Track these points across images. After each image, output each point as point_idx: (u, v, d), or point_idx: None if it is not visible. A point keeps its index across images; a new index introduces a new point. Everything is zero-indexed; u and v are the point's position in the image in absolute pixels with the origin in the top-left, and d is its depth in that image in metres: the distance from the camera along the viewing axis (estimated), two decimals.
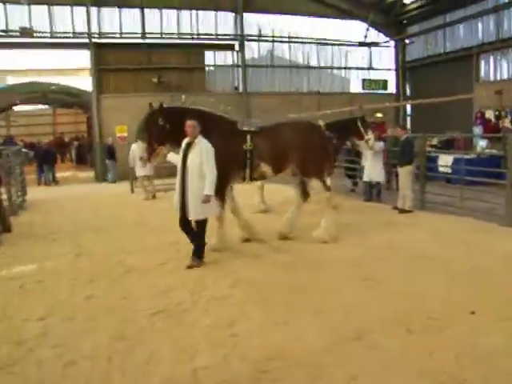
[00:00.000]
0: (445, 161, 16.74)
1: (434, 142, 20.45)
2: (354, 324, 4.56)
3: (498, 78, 21.18)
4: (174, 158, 6.92)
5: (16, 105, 30.50)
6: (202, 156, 6.46)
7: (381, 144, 11.71)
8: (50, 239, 8.96)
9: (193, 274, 6.38)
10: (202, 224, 6.68)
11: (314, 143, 7.93)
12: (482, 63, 21.92)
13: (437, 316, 4.69)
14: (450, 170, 16.14)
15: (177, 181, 6.68)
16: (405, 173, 10.48)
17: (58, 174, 21.73)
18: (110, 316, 4.95)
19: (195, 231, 6.72)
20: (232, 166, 7.47)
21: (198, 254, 6.70)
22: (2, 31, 19.57)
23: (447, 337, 4.23)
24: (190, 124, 6.56)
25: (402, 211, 10.39)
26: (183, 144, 6.69)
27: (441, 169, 16.79)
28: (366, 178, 12.12)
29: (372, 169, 11.72)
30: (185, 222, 6.70)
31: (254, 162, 7.66)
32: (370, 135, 11.09)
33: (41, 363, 3.94)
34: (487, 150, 18.38)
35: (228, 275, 6.26)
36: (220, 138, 7.15)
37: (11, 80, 21.27)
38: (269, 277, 6.16)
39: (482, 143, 20.02)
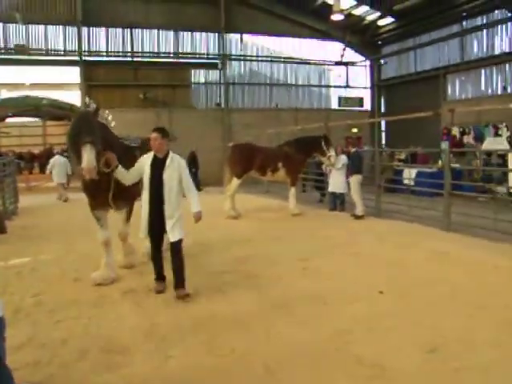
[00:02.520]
0: (408, 174, 18.13)
1: (402, 156, 21.93)
2: (284, 295, 5.84)
3: (463, 97, 22.73)
4: (124, 174, 6.10)
5: (9, 117, 31.48)
6: (180, 172, 5.93)
7: (342, 159, 12.96)
8: (42, 239, 10.04)
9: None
10: (180, 244, 5.98)
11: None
12: (449, 83, 23.50)
13: (355, 291, 5.97)
14: (412, 183, 17.52)
15: (145, 202, 5.97)
16: (354, 182, 11.87)
17: (48, 185, 22.74)
18: (92, 293, 6.15)
19: (175, 255, 5.95)
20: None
21: (183, 277, 5.95)
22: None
23: (354, 308, 5.48)
24: (157, 137, 5.87)
25: (357, 217, 11.72)
26: (145, 160, 6.00)
27: (405, 181, 18.16)
28: (330, 190, 13.45)
29: (335, 181, 13.03)
30: (159, 250, 6.19)
31: None
32: (332, 152, 12.47)
33: (36, 323, 5.12)
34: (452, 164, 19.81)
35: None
36: (124, 154, 6.62)
37: (4, 94, 22.48)
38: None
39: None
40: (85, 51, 22.05)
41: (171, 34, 23.43)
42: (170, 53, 23.30)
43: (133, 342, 4.58)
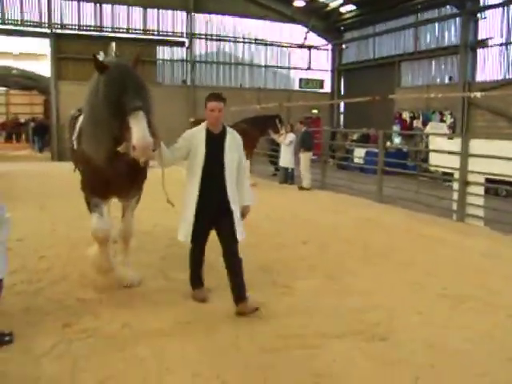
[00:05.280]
0: (359, 153, 19.70)
1: (354, 137, 23.51)
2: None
3: (415, 84, 24.31)
4: (167, 154, 4.62)
5: None
6: (239, 153, 4.82)
7: (290, 137, 14.33)
8: (17, 200, 11.08)
9: None
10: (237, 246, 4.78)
11: None
12: (403, 70, 25.04)
13: (282, 242, 7.37)
14: (362, 161, 19.11)
15: (191, 192, 4.69)
16: (304, 158, 13.32)
17: (15, 153, 23.48)
18: (66, 241, 7.35)
19: (237, 258, 4.71)
20: None
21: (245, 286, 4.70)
22: None
23: (280, 253, 6.87)
24: (217, 107, 4.59)
25: (301, 188, 13.20)
26: (195, 135, 4.74)
27: (356, 160, 19.76)
28: (281, 164, 14.90)
29: (284, 157, 14.46)
30: (203, 253, 5.00)
31: None
32: (283, 131, 13.88)
33: (23, 256, 6.33)
34: (399, 146, 21.54)
35: None
36: None
37: None
38: None
39: (396, 140, 23.20)
40: (56, 24, 22.64)
41: (140, 10, 24.16)
42: (137, 29, 24.06)
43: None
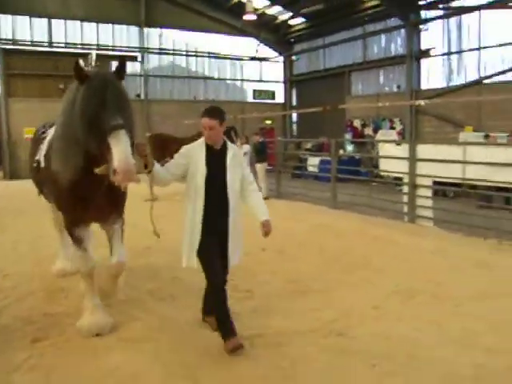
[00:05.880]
0: (313, 162, 20.17)
1: (309, 146, 24.08)
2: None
3: (365, 93, 25.11)
4: (163, 174, 4.22)
5: None
6: (242, 169, 4.46)
7: (245, 148, 14.62)
8: None
9: None
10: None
11: None
12: (353, 80, 25.85)
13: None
14: (316, 170, 19.59)
15: (193, 214, 4.26)
16: (260, 168, 13.62)
17: None
18: (29, 259, 7.36)
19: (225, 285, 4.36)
20: None
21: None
22: None
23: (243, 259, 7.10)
24: (210, 124, 4.17)
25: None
26: (194, 152, 4.27)
27: (310, 168, 20.23)
28: None
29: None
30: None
31: None
32: (239, 143, 14.15)
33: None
34: (352, 153, 22.20)
35: None
36: None
37: None
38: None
39: (349, 147, 23.91)
40: (5, 39, 22.29)
41: (92, 25, 24.07)
42: (90, 44, 23.94)
43: None
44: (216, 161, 4.23)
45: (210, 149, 4.25)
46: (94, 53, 21.38)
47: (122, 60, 4.01)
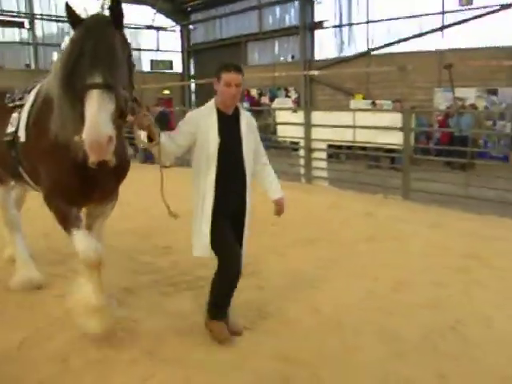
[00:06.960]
0: None
1: None
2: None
3: (261, 62, 25.75)
4: (172, 147, 3.67)
5: None
6: (255, 136, 3.85)
7: None
8: None
9: None
10: None
11: None
12: (249, 50, 26.37)
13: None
14: None
15: (205, 191, 3.65)
16: None
17: None
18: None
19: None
20: None
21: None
22: None
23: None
24: (237, 81, 3.61)
25: (166, 167, 13.70)
26: (201, 119, 3.66)
27: None
28: (139, 145, 15.18)
29: (142, 137, 14.76)
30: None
31: None
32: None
33: None
34: None
35: None
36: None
37: None
38: None
39: None
40: None
41: None
42: None
43: None
44: (229, 128, 3.62)
45: (221, 114, 3.63)
46: None
47: (116, 2, 3.10)
